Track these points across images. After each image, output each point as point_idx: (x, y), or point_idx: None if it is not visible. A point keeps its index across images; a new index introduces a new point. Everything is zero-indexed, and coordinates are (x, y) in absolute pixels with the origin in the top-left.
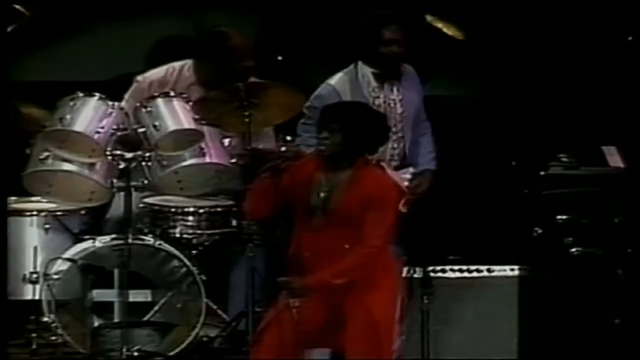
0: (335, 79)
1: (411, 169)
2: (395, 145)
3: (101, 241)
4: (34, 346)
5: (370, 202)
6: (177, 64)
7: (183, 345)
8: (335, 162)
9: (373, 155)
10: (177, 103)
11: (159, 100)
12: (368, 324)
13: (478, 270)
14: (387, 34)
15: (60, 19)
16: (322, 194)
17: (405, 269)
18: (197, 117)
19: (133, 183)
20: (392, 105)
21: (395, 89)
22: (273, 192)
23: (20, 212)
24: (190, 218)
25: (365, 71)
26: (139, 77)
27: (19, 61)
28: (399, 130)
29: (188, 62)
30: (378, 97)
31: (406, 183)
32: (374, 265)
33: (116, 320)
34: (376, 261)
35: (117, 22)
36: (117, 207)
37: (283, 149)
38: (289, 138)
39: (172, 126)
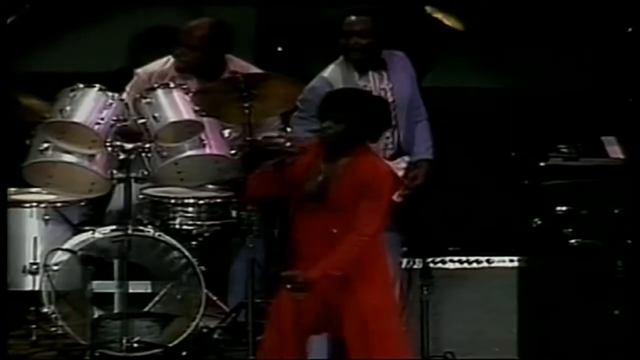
0: (328, 71)
1: (406, 158)
2: (389, 134)
3: (101, 232)
4: (33, 337)
5: (365, 190)
6: None
7: (183, 336)
8: (336, 150)
9: (375, 142)
10: (177, 94)
11: (159, 92)
12: (360, 319)
13: (477, 261)
14: (349, 26)
15: (61, 10)
16: (319, 180)
17: (405, 260)
18: (197, 108)
19: (133, 174)
20: (383, 94)
21: (385, 78)
22: (275, 184)
23: (20, 203)
24: (190, 209)
25: (349, 62)
26: (139, 70)
27: (19, 52)
28: (391, 119)
29: None
30: (366, 86)
31: (401, 172)
32: (363, 256)
33: (116, 311)
34: (366, 252)
35: (118, 14)
36: (118, 199)
37: (288, 143)
38: (289, 130)
39: (172, 117)
